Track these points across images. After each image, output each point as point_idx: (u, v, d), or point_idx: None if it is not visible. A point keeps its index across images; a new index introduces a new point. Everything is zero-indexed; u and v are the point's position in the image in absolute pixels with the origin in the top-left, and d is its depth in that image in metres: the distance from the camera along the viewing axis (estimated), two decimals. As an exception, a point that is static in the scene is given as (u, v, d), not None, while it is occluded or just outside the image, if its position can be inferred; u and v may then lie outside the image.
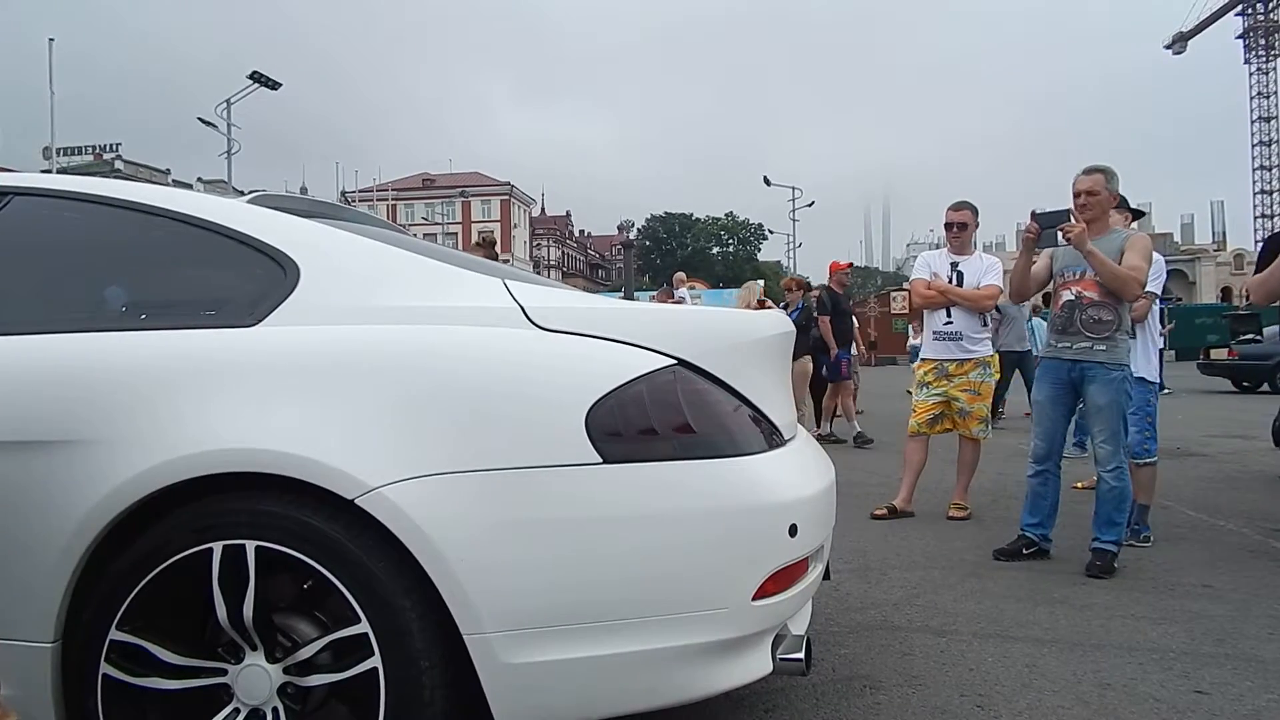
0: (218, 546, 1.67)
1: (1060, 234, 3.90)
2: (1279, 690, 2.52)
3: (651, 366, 1.75)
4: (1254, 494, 5.82)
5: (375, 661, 1.64)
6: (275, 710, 1.70)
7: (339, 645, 1.67)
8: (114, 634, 1.69)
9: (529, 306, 1.82)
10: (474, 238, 57.84)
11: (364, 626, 1.64)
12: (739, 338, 1.95)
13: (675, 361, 1.77)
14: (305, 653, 1.69)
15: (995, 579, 3.72)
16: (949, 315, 4.95)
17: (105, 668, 1.69)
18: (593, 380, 1.72)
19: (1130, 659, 2.77)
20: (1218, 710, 2.40)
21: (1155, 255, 4.55)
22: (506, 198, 69.83)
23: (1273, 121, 66.00)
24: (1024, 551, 4.03)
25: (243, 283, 1.90)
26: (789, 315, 7.64)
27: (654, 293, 10.46)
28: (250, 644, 1.71)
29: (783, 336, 2.16)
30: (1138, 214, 4.68)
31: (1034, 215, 3.99)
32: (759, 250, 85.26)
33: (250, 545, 1.66)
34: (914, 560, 4.06)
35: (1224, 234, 57.39)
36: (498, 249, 5.77)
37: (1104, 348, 3.81)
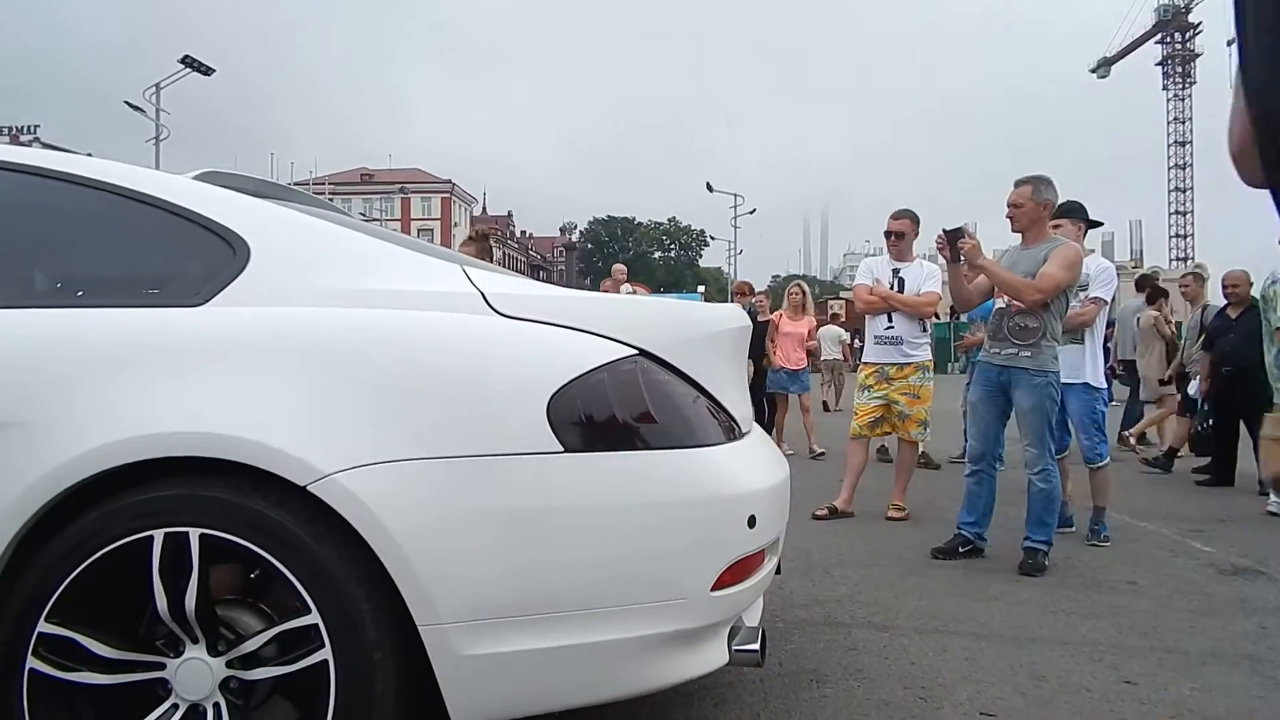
0: (158, 534, 1.60)
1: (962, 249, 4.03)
2: (1200, 680, 2.64)
3: (613, 356, 1.74)
4: (1172, 496, 6.10)
5: (325, 653, 1.59)
6: (216, 706, 1.64)
7: (287, 637, 1.62)
8: (42, 626, 1.60)
9: (489, 293, 1.79)
10: (413, 232, 57.00)
11: (314, 617, 1.59)
12: (699, 330, 1.96)
13: (637, 351, 1.77)
14: (250, 645, 1.64)
15: (934, 576, 3.82)
16: (890, 320, 5.07)
17: (32, 662, 1.60)
18: (554, 368, 1.70)
19: (1063, 652, 2.87)
20: (1145, 699, 2.50)
21: (1104, 263, 4.74)
22: (448, 195, 69.08)
23: (1187, 146, 69.44)
24: (960, 550, 4.14)
25: (189, 261, 1.84)
26: None
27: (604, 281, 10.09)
28: (191, 637, 1.65)
29: (740, 331, 2.18)
30: (1094, 224, 4.76)
31: (943, 231, 4.12)
32: (700, 256, 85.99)
33: (194, 533, 1.60)
34: (856, 559, 4.13)
35: (1141, 252, 60.10)
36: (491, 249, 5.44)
37: (1029, 354, 3.95)
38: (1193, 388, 7.11)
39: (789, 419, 8.35)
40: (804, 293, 8.80)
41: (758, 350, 7.97)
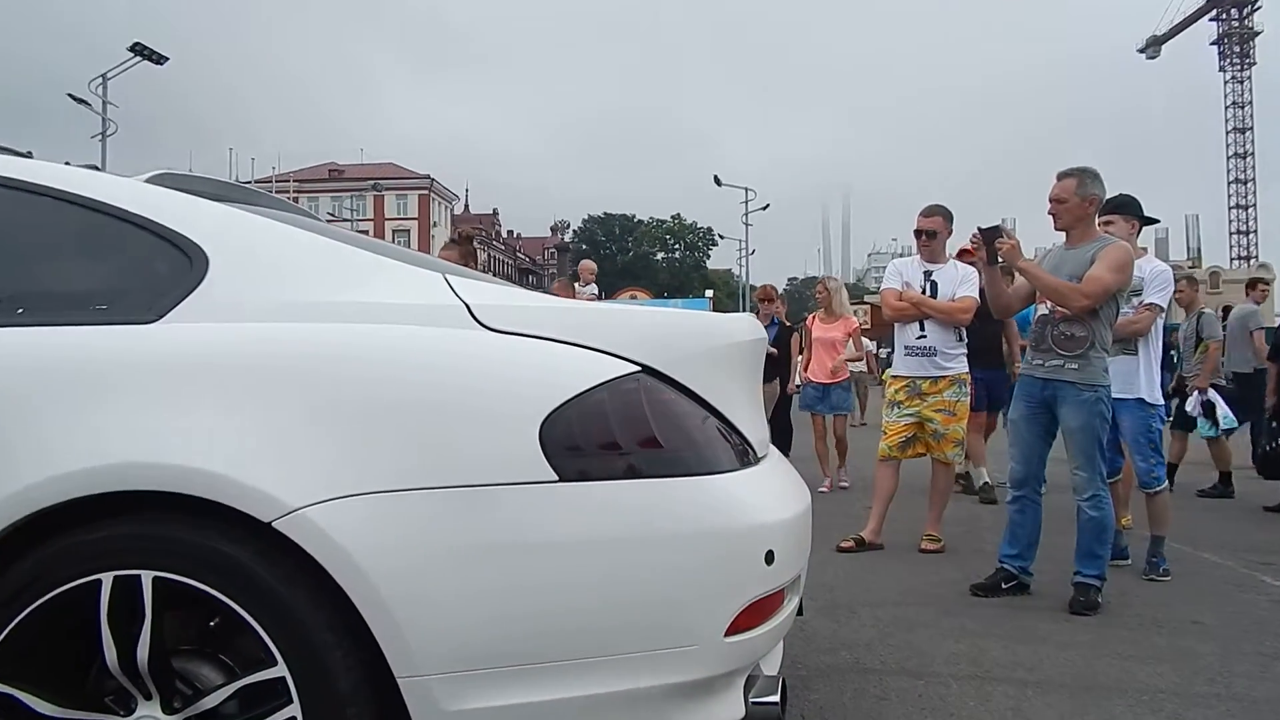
0: (107, 578, 1.60)
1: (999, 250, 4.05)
2: (1274, 731, 2.63)
3: (613, 373, 1.74)
4: (1237, 524, 6.08)
5: (293, 710, 1.59)
6: (171, 769, 1.63)
7: (251, 691, 1.61)
8: (-22, 682, 1.60)
9: (474, 304, 1.80)
10: (387, 234, 57.08)
11: (280, 670, 1.59)
12: (709, 343, 1.96)
13: (639, 368, 1.77)
14: (210, 701, 1.63)
15: (973, 616, 3.81)
16: (922, 329, 5.07)
17: (-34, 722, 1.60)
18: (548, 388, 1.70)
19: (1119, 701, 2.86)
20: (1213, 754, 2.49)
21: (1159, 265, 4.73)
22: (426, 192, 69.28)
23: (1248, 133, 69.67)
24: (1003, 586, 4.13)
25: (142, 273, 1.85)
26: None
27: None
28: (144, 692, 1.64)
29: (755, 343, 2.18)
30: (1148, 221, 4.75)
31: (979, 229, 4.14)
32: (708, 257, 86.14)
33: (147, 576, 1.60)
34: (885, 596, 4.12)
35: (1199, 250, 60.06)
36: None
37: (1075, 366, 3.95)
38: (1190, 403, 7.11)
39: (802, 441, 8.05)
40: (828, 289, 7.97)
41: (780, 370, 7.60)
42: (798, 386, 7.92)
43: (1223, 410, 6.83)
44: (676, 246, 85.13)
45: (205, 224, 1.89)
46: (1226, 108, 70.44)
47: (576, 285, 8.56)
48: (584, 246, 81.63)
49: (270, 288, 1.81)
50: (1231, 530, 5.81)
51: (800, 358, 7.85)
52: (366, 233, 24.85)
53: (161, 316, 1.75)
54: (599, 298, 8.40)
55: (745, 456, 1.91)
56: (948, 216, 5.27)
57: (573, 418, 1.69)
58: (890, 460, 5.18)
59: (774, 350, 7.43)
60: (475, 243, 5.72)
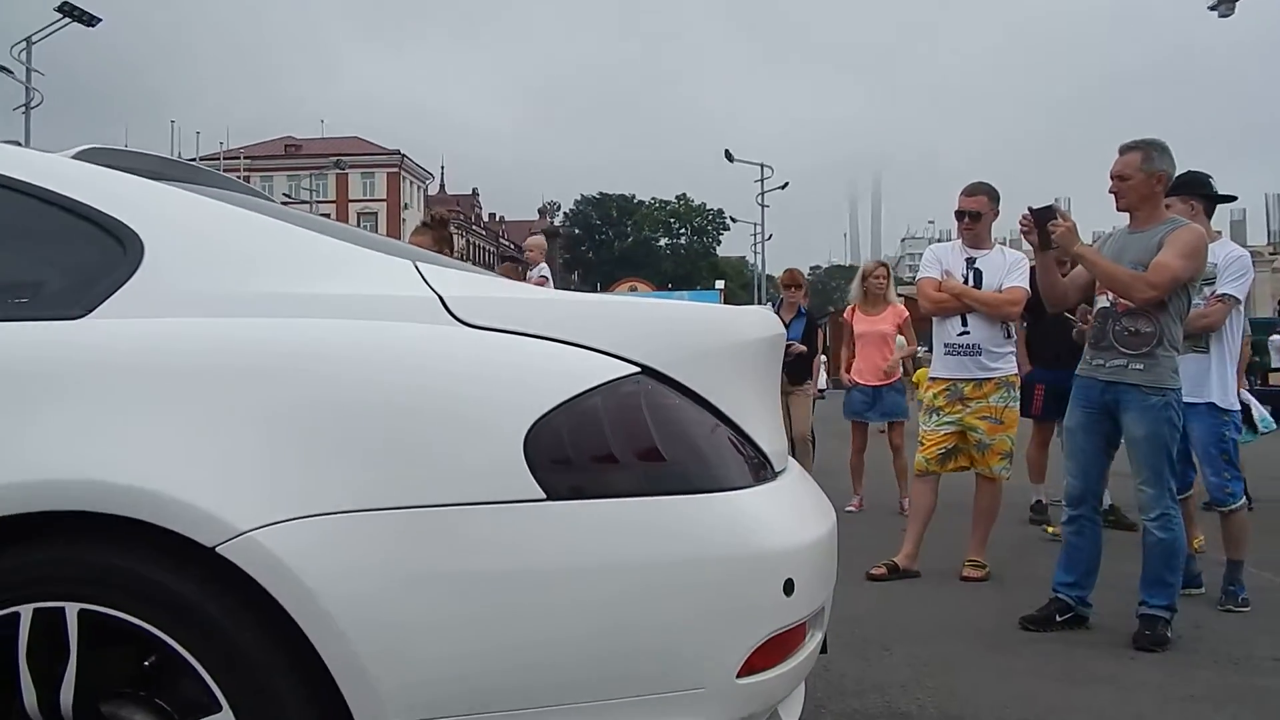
0: (26, 610, 1.60)
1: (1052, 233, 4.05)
2: (1370, 785, 2.62)
3: (609, 375, 1.74)
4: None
5: (240, 763, 1.58)
6: (98, 830, 1.63)
7: (191, 742, 1.61)
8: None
9: (449, 296, 1.80)
10: (351, 218, 57.17)
11: (225, 716, 1.59)
12: (719, 340, 1.96)
13: (639, 369, 1.77)
14: (144, 753, 1.63)
15: (1023, 654, 3.80)
16: (964, 324, 5.08)
17: None
18: (534, 392, 1.70)
19: (1192, 750, 2.85)
20: (1299, 812, 2.48)
21: (1235, 249, 4.73)
22: (396, 170, 69.53)
23: (1338, 99, 69.56)
24: (1058, 619, 4.13)
25: (68, 262, 1.86)
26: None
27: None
28: (68, 741, 1.64)
29: (772, 340, 2.18)
30: (1222, 199, 4.75)
31: (1030, 210, 4.13)
32: (718, 243, 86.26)
33: (71, 608, 1.60)
34: (922, 631, 4.12)
35: (1281, 234, 60.05)
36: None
37: (1140, 366, 3.94)
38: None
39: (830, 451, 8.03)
40: (888, 274, 7.89)
41: (799, 370, 7.49)
42: (821, 391, 7.89)
43: (1259, 412, 6.82)
44: (682, 231, 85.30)
45: (141, 206, 1.90)
46: (1313, 71, 70.29)
47: (530, 271, 8.07)
48: (576, 231, 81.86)
49: (215, 278, 1.81)
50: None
51: (821, 357, 7.77)
52: (328, 216, 24.92)
53: (90, 311, 1.75)
54: (549, 283, 7.93)
55: (760, 471, 1.91)
56: (993, 196, 5.27)
57: (562, 427, 1.68)
58: (928, 475, 5.18)
59: (803, 348, 7.41)
60: (452, 227, 5.74)
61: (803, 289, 8.06)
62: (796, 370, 7.31)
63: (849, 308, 7.98)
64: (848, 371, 7.68)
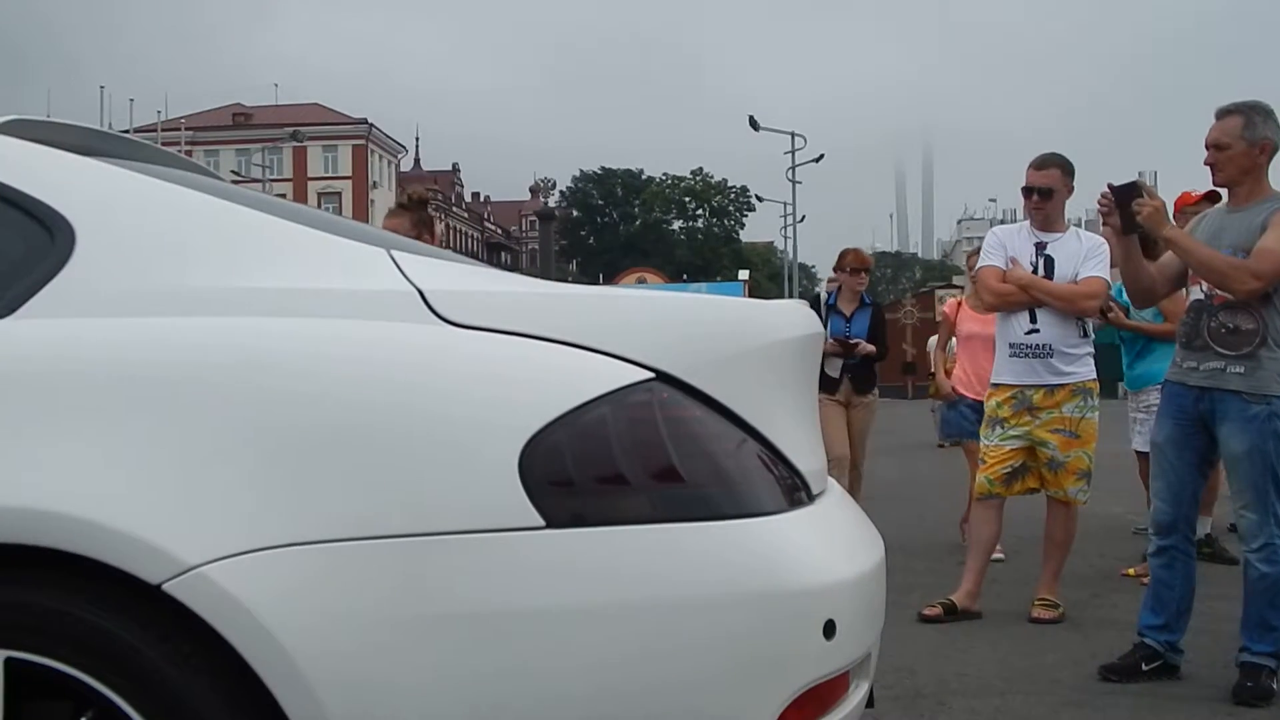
0: (-59, 661, 1.62)
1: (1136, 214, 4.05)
2: None
3: (617, 383, 1.75)
4: None
5: (190, 834, 1.60)
6: None
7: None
8: None
9: (431, 291, 1.81)
10: (311, 197, 57.12)
11: (171, 779, 1.60)
12: (745, 341, 1.96)
13: (652, 375, 1.78)
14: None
15: (1104, 708, 3.81)
16: (1033, 320, 5.07)
17: None
18: (530, 403, 1.71)
19: (1304, 822, 2.85)
20: None
21: None
22: (362, 142, 69.64)
23: None
24: (1144, 667, 4.11)
25: None
26: (836, 321, 6.92)
27: None
28: (-9, 810, 1.66)
29: (809, 340, 2.19)
30: None
31: (1110, 187, 4.14)
32: (742, 225, 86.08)
33: (-5, 657, 1.61)
34: (985, 683, 4.12)
35: None
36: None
37: (1241, 370, 3.94)
38: None
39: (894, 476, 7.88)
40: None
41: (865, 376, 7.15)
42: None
43: None
44: (699, 212, 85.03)
45: (70, 187, 1.92)
46: None
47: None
48: (574, 212, 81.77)
49: (157, 271, 1.83)
50: None
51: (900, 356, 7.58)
52: (284, 196, 24.96)
53: (12, 311, 1.77)
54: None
55: (795, 493, 1.91)
56: (1066, 170, 5.25)
57: (563, 443, 1.69)
58: (991, 498, 5.18)
59: (871, 347, 6.93)
60: (430, 208, 5.75)
61: (867, 274, 7.51)
62: (861, 376, 7.00)
63: (952, 301, 7.82)
64: (947, 377, 7.43)
